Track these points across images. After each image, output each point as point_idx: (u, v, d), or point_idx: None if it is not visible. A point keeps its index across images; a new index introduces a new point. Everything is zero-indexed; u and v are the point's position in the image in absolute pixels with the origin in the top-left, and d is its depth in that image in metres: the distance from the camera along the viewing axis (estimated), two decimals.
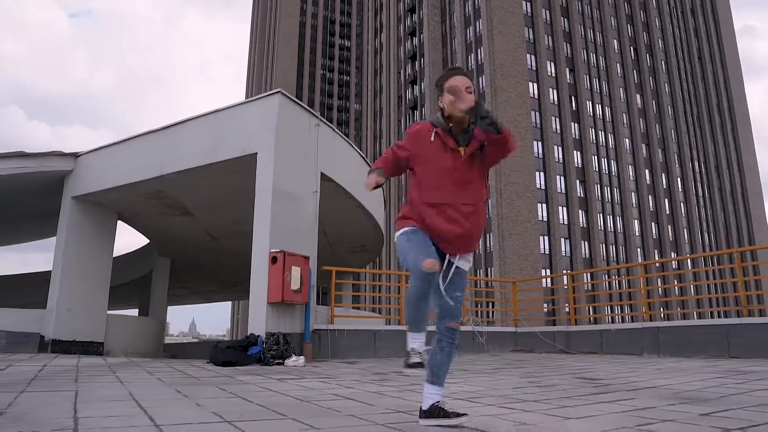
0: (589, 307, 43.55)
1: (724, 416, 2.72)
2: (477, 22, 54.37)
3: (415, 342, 2.59)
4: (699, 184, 63.52)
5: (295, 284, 7.63)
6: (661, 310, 37.37)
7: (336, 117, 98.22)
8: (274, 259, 7.58)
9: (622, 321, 46.96)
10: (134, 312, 21.58)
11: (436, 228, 2.54)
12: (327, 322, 8.57)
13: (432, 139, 2.59)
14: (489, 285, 33.31)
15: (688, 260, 43.59)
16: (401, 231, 2.62)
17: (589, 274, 42.59)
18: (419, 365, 2.55)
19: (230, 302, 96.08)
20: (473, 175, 2.59)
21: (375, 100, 70.93)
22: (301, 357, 7.14)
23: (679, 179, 61.14)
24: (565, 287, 47.81)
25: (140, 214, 11.61)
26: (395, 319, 10.76)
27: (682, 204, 60.45)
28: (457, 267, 2.62)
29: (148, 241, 15.25)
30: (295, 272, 7.68)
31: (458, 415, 2.57)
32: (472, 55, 54.38)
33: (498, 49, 51.51)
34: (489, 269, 48.43)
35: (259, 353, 7.05)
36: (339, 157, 9.65)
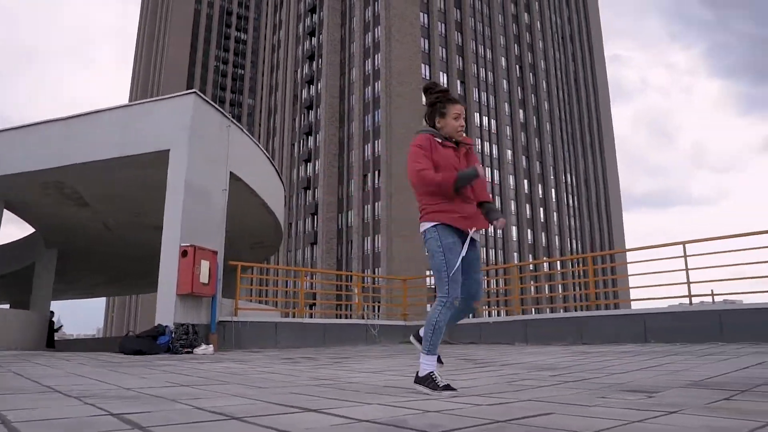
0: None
1: (566, 376, 3.67)
2: (376, 29, 55.84)
3: (433, 365, 2.86)
4: (570, 195, 69.31)
5: (204, 277, 8.00)
6: (532, 306, 40.60)
7: (228, 111, 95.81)
8: (184, 253, 7.90)
9: (498, 315, 50.44)
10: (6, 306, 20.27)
11: (463, 210, 2.92)
12: (231, 314, 8.99)
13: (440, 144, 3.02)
14: (375, 282, 34.50)
15: (558, 263, 47.77)
16: (433, 225, 2.91)
17: None
18: (450, 387, 2.80)
19: (104, 299, 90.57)
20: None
21: (270, 96, 70.33)
22: (210, 346, 7.56)
23: (553, 190, 66.36)
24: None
25: (32, 203, 11.24)
26: (293, 312, 11.34)
27: (554, 213, 65.69)
28: (475, 244, 2.97)
29: (32, 230, 14.60)
30: (205, 266, 8.05)
31: (448, 388, 2.83)
32: (369, 60, 55.77)
33: (395, 56, 53.25)
34: (376, 269, 49.89)
35: (168, 343, 7.36)
36: (247, 157, 10.08)
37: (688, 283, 7.70)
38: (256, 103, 77.12)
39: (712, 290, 10.42)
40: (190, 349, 7.41)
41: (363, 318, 10.88)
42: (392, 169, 50.61)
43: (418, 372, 2.93)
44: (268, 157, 11.19)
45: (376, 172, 52.37)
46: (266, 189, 10.84)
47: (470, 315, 3.15)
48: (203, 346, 7.49)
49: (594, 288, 8.88)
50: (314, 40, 63.36)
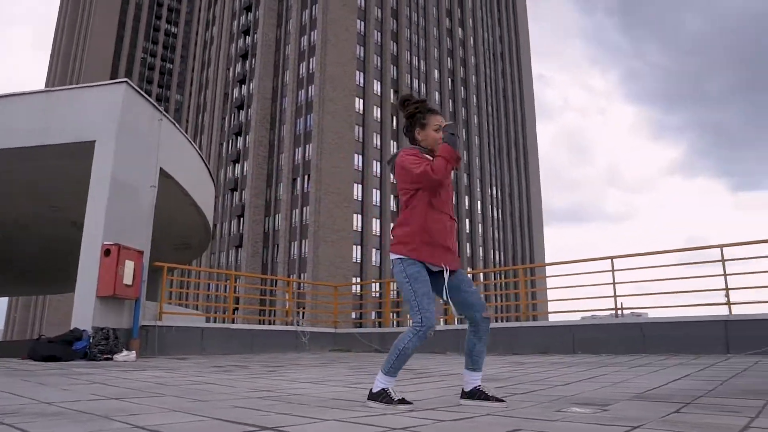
0: (396, 312, 46.49)
1: (512, 388, 3.66)
2: (312, 32, 55.42)
3: (391, 383, 2.80)
4: (495, 208, 71.34)
5: (127, 278, 7.52)
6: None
7: None
8: (107, 252, 7.40)
9: None
10: None
11: (443, 244, 2.84)
12: (155, 318, 8.51)
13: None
14: (302, 287, 34.00)
15: (481, 274, 48.99)
16: (403, 258, 2.81)
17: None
18: (407, 402, 2.74)
19: (6, 299, 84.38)
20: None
21: (199, 93, 68.26)
22: (132, 352, 7.10)
23: (479, 202, 68.07)
24: (374, 294, 50.46)
25: None
26: (221, 317, 10.91)
27: (479, 224, 67.37)
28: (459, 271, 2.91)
29: None
30: (129, 266, 7.58)
31: (498, 399, 2.80)
32: (304, 63, 55.26)
33: (330, 61, 53.03)
34: (302, 274, 49.26)
35: (86, 348, 6.85)
36: (178, 153, 9.62)
37: (615, 296, 7.99)
38: (185, 99, 74.68)
39: (621, 303, 10.94)
40: (109, 356, 6.93)
41: (293, 324, 10.61)
42: (322, 174, 50.27)
43: (371, 389, 2.83)
44: (200, 155, 10.75)
45: (306, 177, 51.83)
46: (197, 188, 10.39)
47: (488, 333, 2.93)
48: (124, 353, 7.02)
49: (525, 299, 9.07)
50: (248, 39, 62.10)
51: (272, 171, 55.95)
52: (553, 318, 10.53)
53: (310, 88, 53.73)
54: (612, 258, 8.04)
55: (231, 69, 63.19)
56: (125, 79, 7.98)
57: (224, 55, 64.61)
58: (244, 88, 60.70)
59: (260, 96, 57.37)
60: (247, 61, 61.20)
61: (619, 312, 9.43)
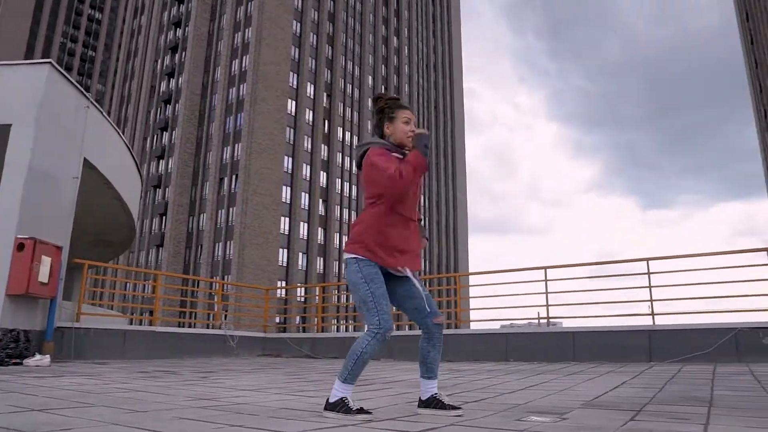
0: (320, 318, 46.08)
1: (461, 396, 3.61)
2: (246, 30, 54.23)
3: (349, 392, 2.64)
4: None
5: (43, 276, 6.95)
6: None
7: None
8: (20, 246, 6.81)
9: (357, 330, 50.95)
10: None
11: (401, 247, 2.73)
12: (72, 319, 7.92)
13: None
14: (225, 289, 33.11)
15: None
16: (359, 258, 2.70)
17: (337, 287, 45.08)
18: (366, 411, 2.59)
19: None
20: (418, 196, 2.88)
21: (124, 84, 65.24)
22: (47, 356, 6.54)
23: None
24: (299, 298, 49.82)
25: None
26: (146, 319, 10.34)
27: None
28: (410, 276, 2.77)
29: None
30: (45, 263, 7.00)
31: (453, 407, 2.74)
32: (237, 60, 53.96)
33: (263, 60, 52.06)
34: (226, 276, 47.95)
35: None
36: (105, 144, 9.04)
37: (547, 305, 8.19)
38: (107, 90, 71.18)
39: (538, 313, 11.24)
40: (19, 360, 6.36)
41: (221, 328, 10.21)
42: (250, 175, 49.18)
43: (328, 398, 2.66)
44: (128, 148, 10.16)
45: (234, 177, 50.55)
46: (123, 182, 9.80)
47: (442, 340, 2.82)
48: (37, 357, 6.46)
49: (456, 308, 9.14)
50: (179, 31, 59.97)
51: (198, 169, 54.19)
52: (474, 326, 10.72)
53: (241, 86, 52.50)
54: (545, 268, 8.24)
55: (159, 61, 60.79)
56: (49, 60, 7.39)
57: (152, 47, 62.07)
58: (173, 82, 58.53)
59: (189, 91, 55.49)
60: (177, 55, 59.07)
61: (542, 321, 9.71)
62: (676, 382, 4.55)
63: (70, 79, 7.87)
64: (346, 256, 2.80)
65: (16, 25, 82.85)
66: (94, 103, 8.31)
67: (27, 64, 7.66)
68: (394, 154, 2.79)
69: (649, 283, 7.58)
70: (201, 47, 57.53)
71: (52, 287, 7.22)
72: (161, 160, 56.56)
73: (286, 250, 52.10)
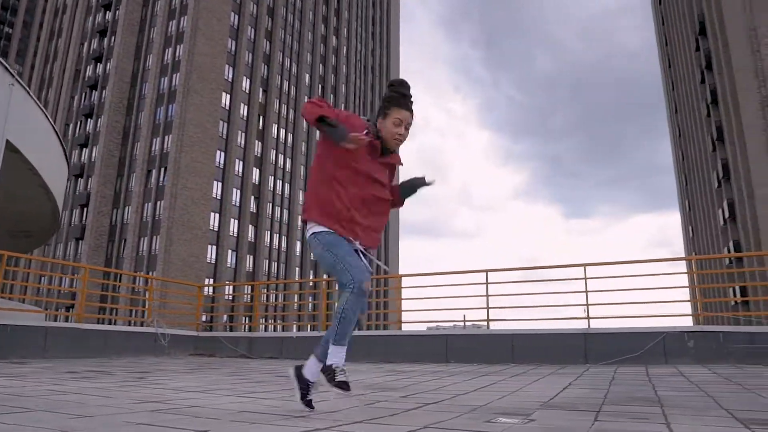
0: (256, 317, 45.22)
1: (417, 397, 3.56)
2: (182, 18, 52.41)
3: (340, 357, 2.58)
4: None
5: None
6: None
7: None
8: None
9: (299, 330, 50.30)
10: None
11: (360, 223, 2.71)
12: None
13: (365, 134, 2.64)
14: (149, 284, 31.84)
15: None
16: (323, 231, 2.67)
17: (279, 286, 44.22)
18: (346, 385, 2.53)
19: None
20: (384, 179, 2.80)
21: (45, 66, 61.50)
22: None
23: None
24: (227, 297, 48.63)
25: None
26: (63, 315, 9.72)
27: None
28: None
29: None
30: None
31: (341, 386, 2.58)
32: (170, 49, 52.05)
33: (198, 51, 50.47)
34: (151, 272, 46.14)
35: None
36: (30, 126, 8.43)
37: (488, 308, 8.32)
38: (26, 70, 66.78)
39: (464, 315, 11.47)
40: None
41: (152, 326, 9.75)
42: (180, 168, 47.56)
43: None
44: (56, 132, 9.52)
45: (162, 169, 48.71)
46: (49, 169, 9.17)
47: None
48: None
49: (400, 308, 9.15)
50: (108, 14, 57.18)
51: (125, 160, 51.86)
52: (413, 328, 10.79)
53: (174, 76, 50.68)
54: (486, 271, 8.37)
55: (86, 44, 57.73)
56: None
57: (79, 28, 58.87)
58: (100, 67, 55.73)
59: (118, 78, 53.01)
60: (106, 39, 56.30)
61: (479, 323, 9.89)
62: (618, 383, 4.70)
63: None
64: (308, 231, 2.82)
65: None
66: (20, 81, 7.73)
67: None
68: (367, 134, 2.69)
69: (586, 288, 7.84)
70: (132, 33, 55.09)
71: None
72: (84, 149, 53.74)
73: (215, 247, 50.75)
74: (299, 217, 61.11)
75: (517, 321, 8.87)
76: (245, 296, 44.80)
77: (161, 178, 48.62)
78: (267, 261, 56.05)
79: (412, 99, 2.86)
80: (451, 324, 10.75)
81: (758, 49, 30.69)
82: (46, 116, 8.99)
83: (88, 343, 8.48)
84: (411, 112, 2.80)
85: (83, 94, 55.97)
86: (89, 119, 54.50)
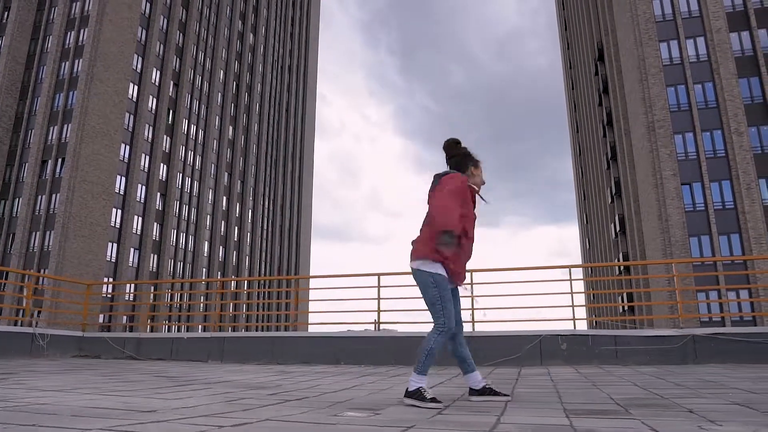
0: (155, 316, 43.28)
1: (285, 395, 3.64)
2: (87, 1, 49.50)
3: (424, 382, 3.24)
4: (266, 218, 71.16)
5: None
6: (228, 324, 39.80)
7: None
8: None
9: (187, 330, 48.40)
10: None
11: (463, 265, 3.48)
12: None
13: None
14: (41, 283, 29.82)
15: (245, 282, 48.22)
16: (438, 271, 3.34)
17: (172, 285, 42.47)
18: (437, 400, 3.13)
19: None
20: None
21: None
22: None
23: (250, 210, 67.28)
24: (127, 296, 46.36)
25: None
26: (21, 320, 8.96)
27: (249, 233, 66.51)
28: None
29: None
30: None
31: (503, 394, 3.49)
32: (73, 32, 48.99)
33: (104, 37, 47.85)
34: (43, 269, 43.15)
35: None
36: None
37: (378, 311, 8.52)
38: None
39: (375, 319, 11.73)
40: None
41: (30, 326, 9.19)
42: (80, 159, 44.86)
43: (407, 387, 3.24)
44: None
45: (60, 160, 45.74)
46: None
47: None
48: None
49: (293, 310, 9.16)
50: None
51: (16, 148, 48.21)
52: (312, 329, 10.82)
53: (76, 61, 47.73)
54: (378, 275, 8.57)
55: None
56: None
57: None
58: None
59: (11, 58, 49.17)
60: None
61: (379, 326, 10.09)
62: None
63: None
64: (428, 266, 3.41)
65: None
66: None
67: None
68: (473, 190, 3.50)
69: (472, 293, 8.21)
70: (29, 10, 51.29)
71: None
72: None
73: (116, 245, 48.27)
74: (208, 217, 59.36)
75: (409, 324, 9.12)
76: (148, 295, 42.85)
77: (58, 170, 45.64)
78: (172, 260, 54.01)
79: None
80: (362, 327, 10.90)
81: (646, 78, 33.29)
82: None
83: None
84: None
85: None
86: None
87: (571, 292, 7.98)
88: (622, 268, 44.60)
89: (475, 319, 8.20)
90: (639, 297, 39.22)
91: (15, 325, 9.93)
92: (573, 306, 7.97)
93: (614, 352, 7.61)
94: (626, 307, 44.92)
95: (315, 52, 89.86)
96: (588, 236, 66.72)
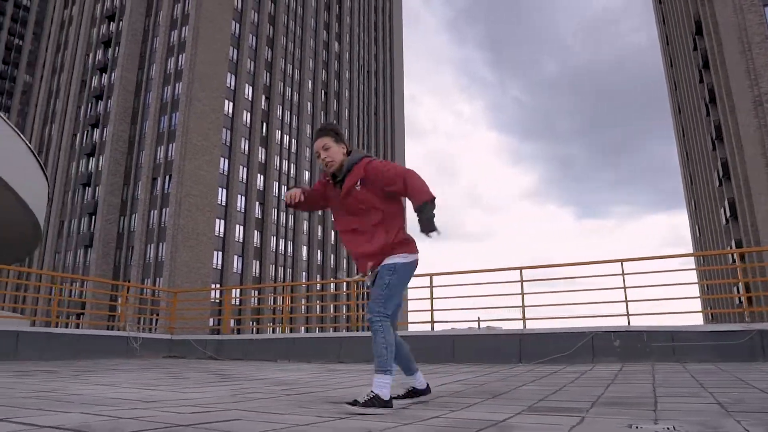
0: (251, 319, 45.86)
1: (294, 390, 4.01)
2: (183, 28, 53.34)
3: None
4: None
5: None
6: (300, 324, 41.36)
7: None
8: None
9: (273, 332, 50.81)
10: None
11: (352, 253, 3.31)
12: None
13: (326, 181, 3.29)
14: (156, 294, 32.50)
15: (344, 284, 49.69)
16: (414, 260, 3.20)
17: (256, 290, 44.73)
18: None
19: None
20: (357, 207, 3.17)
21: (53, 77, 62.75)
22: None
23: None
24: (216, 299, 49.33)
25: None
26: (43, 320, 10.30)
27: None
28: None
29: None
30: None
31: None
32: (173, 58, 52.99)
33: (200, 59, 51.34)
34: (158, 279, 46.96)
35: None
36: (4, 148, 9.01)
37: (432, 310, 8.74)
38: (35, 82, 68.21)
39: (479, 317, 11.82)
40: None
41: (126, 330, 10.29)
42: (184, 175, 48.38)
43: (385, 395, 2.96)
44: (30, 149, 10.10)
45: (167, 177, 49.58)
46: (24, 183, 9.76)
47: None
48: None
49: (355, 311, 9.57)
50: (113, 25, 58.30)
51: (131, 168, 52.83)
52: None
53: (177, 84, 51.59)
54: (432, 275, 8.78)
55: (91, 55, 58.89)
56: None
57: (84, 40, 60.08)
58: (105, 77, 56.83)
59: (122, 88, 54.06)
60: (110, 49, 57.39)
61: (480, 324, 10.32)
62: (494, 379, 5.12)
63: None
64: (407, 258, 3.20)
65: None
66: None
67: None
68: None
69: (522, 291, 8.25)
70: (135, 43, 56.15)
71: None
72: (91, 158, 54.81)
73: (220, 253, 51.46)
74: (305, 222, 61.72)
75: (459, 323, 9.25)
76: (252, 299, 45.34)
77: (166, 186, 49.50)
78: (273, 266, 56.71)
79: (321, 129, 3.27)
80: (468, 325, 11.18)
81: (749, 48, 30.77)
82: (18, 134, 9.57)
83: (60, 346, 9.02)
84: (317, 139, 3.21)
85: (89, 105, 57.08)
86: (95, 129, 55.59)
87: (624, 287, 7.80)
88: (735, 255, 41.37)
89: (525, 317, 8.22)
90: (756, 287, 36.25)
91: (112, 329, 11.09)
92: (626, 301, 7.79)
93: (671, 349, 7.36)
94: (742, 298, 41.64)
95: (400, 54, 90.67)
96: (698, 223, 62.41)
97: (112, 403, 3.08)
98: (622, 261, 7.91)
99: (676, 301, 7.97)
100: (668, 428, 2.31)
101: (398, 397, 3.25)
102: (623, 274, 7.86)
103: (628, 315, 7.81)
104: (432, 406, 3.12)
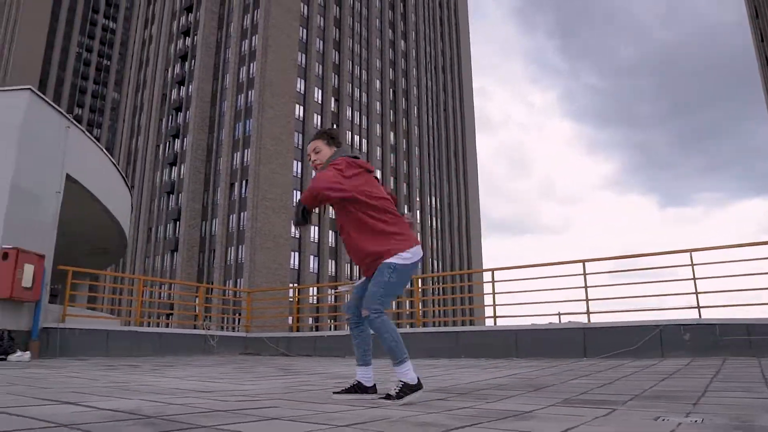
0: (327, 317, 46.98)
1: (337, 384, 4.20)
2: (253, 37, 55.27)
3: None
4: (433, 218, 72.76)
5: (26, 281, 7.71)
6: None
7: (90, 103, 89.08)
8: (5, 255, 7.57)
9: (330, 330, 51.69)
10: None
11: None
12: (57, 320, 8.68)
13: None
14: (237, 295, 33.93)
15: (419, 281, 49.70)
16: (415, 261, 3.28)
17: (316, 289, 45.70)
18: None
19: None
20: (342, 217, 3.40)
21: (137, 93, 66.71)
22: (27, 353, 7.29)
23: (418, 212, 69.31)
24: (292, 298, 50.60)
25: None
26: (133, 320, 11.10)
27: (418, 233, 68.55)
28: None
29: None
30: (28, 270, 7.76)
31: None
32: (245, 67, 55.02)
33: (270, 67, 53.03)
34: (239, 280, 48.91)
35: None
36: (87, 159, 9.80)
37: (494, 305, 8.74)
38: (122, 98, 72.80)
39: (558, 312, 11.63)
40: (3, 356, 7.11)
41: (204, 328, 10.92)
42: (260, 180, 50.14)
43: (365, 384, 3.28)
44: (112, 162, 10.92)
45: (244, 182, 51.55)
46: (109, 194, 10.57)
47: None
48: (18, 353, 7.21)
49: (467, 304, 9.71)
50: (188, 40, 61.26)
51: (210, 175, 55.34)
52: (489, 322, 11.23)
53: (249, 92, 53.54)
54: (492, 270, 8.78)
55: (170, 70, 62.14)
56: (29, 87, 8.16)
57: (163, 55, 63.48)
58: (183, 89, 59.80)
59: (199, 99, 56.72)
60: (187, 63, 60.34)
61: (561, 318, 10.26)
62: (547, 374, 5.11)
63: (50, 102, 8.62)
64: (405, 258, 3.29)
65: (33, 36, 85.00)
66: (75, 123, 9.07)
67: (8, 90, 8.43)
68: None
69: (585, 284, 8.11)
70: (210, 55, 58.73)
71: (36, 291, 7.98)
72: (173, 167, 57.83)
73: (297, 253, 52.93)
74: None
75: (522, 317, 9.19)
76: (324, 297, 46.45)
77: (243, 190, 51.49)
78: (349, 264, 57.73)
79: (316, 133, 3.60)
80: (549, 319, 11.14)
81: None
82: (101, 149, 10.37)
83: (146, 344, 9.72)
84: (310, 142, 3.56)
85: (170, 117, 60.24)
86: (176, 139, 58.62)
87: (694, 278, 7.51)
88: None
89: (589, 311, 8.08)
90: None
91: (193, 328, 11.79)
92: (697, 293, 7.50)
93: (747, 342, 7.02)
94: None
95: (467, 48, 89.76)
96: None
97: (171, 392, 3.38)
98: (690, 251, 7.62)
99: (752, 293, 7.55)
100: (695, 421, 2.31)
101: (341, 392, 3.22)
102: (692, 265, 7.57)
103: (699, 307, 7.51)
104: (468, 398, 3.22)
